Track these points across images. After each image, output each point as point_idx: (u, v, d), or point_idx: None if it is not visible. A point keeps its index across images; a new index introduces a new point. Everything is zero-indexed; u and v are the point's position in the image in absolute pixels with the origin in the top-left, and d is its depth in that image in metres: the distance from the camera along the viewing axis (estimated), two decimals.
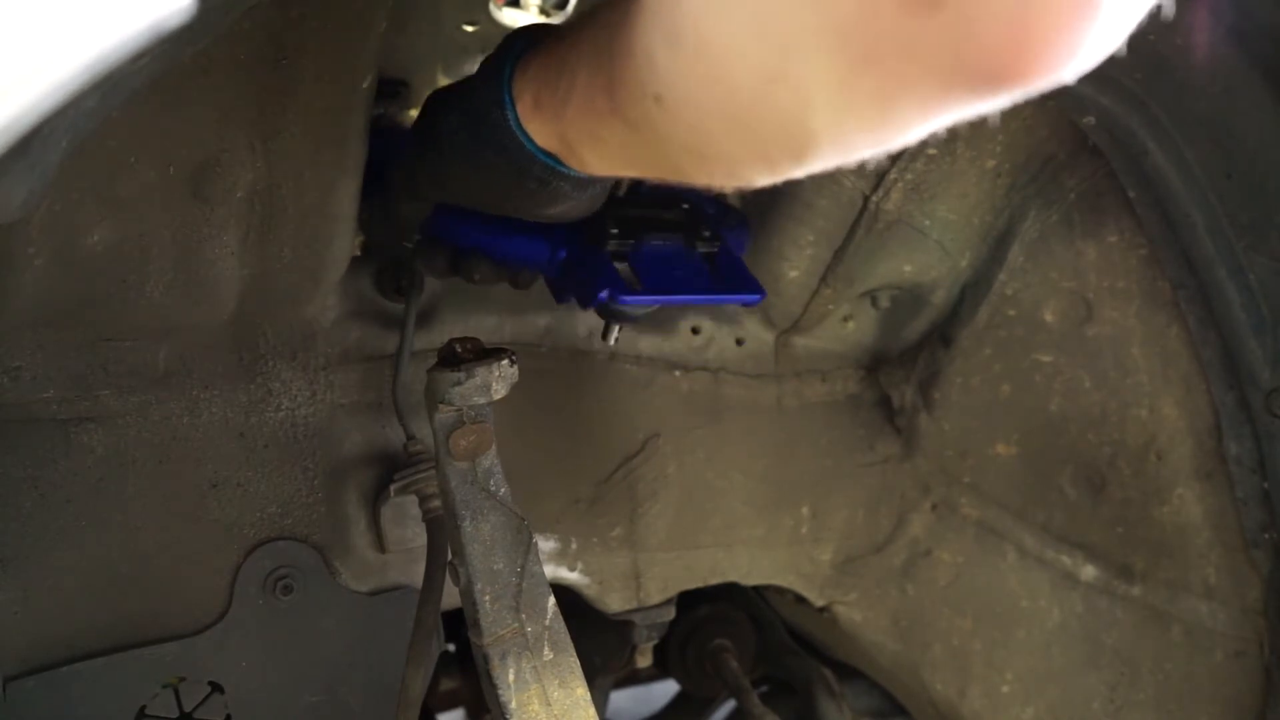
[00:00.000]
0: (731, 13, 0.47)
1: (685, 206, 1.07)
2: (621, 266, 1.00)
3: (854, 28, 0.42)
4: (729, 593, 1.53)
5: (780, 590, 1.46)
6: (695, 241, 1.04)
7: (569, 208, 0.86)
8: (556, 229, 1.02)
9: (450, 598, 1.03)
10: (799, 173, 0.56)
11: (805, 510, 1.40)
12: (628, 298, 0.96)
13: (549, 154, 0.78)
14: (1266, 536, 1.14)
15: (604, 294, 0.96)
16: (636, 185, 1.21)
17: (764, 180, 0.58)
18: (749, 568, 1.39)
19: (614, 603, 1.31)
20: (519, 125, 0.78)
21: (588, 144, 0.74)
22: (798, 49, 0.45)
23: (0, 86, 0.36)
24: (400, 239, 1.09)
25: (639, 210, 1.03)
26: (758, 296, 1.02)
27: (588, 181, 0.83)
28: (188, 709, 1.07)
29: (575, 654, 0.99)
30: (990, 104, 0.45)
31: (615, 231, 1.00)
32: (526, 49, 0.80)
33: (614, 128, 0.66)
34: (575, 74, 0.70)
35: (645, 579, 1.32)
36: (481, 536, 0.96)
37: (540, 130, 0.78)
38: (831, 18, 0.42)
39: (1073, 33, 0.40)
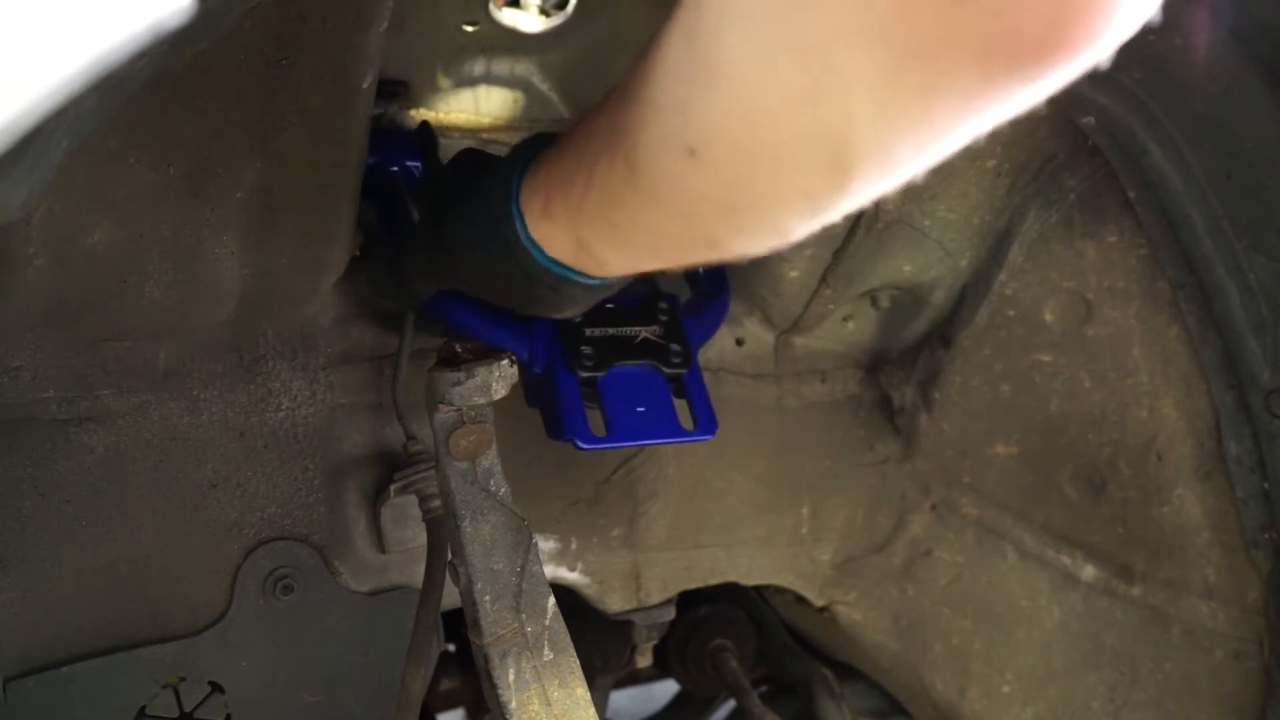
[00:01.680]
0: (767, 30, 0.46)
1: (664, 318, 1.11)
2: (588, 390, 1.05)
3: (895, 22, 0.42)
4: (729, 593, 1.53)
5: (780, 590, 1.46)
6: (664, 365, 1.09)
7: (585, 307, 0.88)
8: (538, 334, 1.06)
9: (450, 597, 1.03)
10: (840, 205, 0.54)
11: (805, 510, 1.40)
12: (587, 445, 1.02)
13: (562, 265, 0.78)
14: (1266, 537, 1.14)
15: (566, 437, 1.03)
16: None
17: (803, 224, 0.57)
18: (749, 568, 1.39)
19: (614, 603, 1.31)
20: (529, 239, 0.78)
21: (606, 238, 0.73)
22: (838, 55, 0.45)
23: (0, 87, 0.36)
24: (407, 303, 1.11)
25: (615, 328, 1.08)
26: (710, 435, 1.09)
27: (601, 286, 0.82)
28: (188, 709, 1.07)
29: (575, 654, 0.99)
30: (1029, 90, 0.45)
31: (589, 362, 1.05)
32: (533, 157, 0.79)
33: (636, 208, 0.65)
34: (595, 160, 0.69)
35: (645, 579, 1.32)
36: (481, 536, 0.96)
37: (553, 235, 0.77)
38: (871, 17, 0.42)
39: (1107, 3, 0.40)
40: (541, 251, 0.78)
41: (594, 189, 0.69)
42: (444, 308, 1.07)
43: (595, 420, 1.05)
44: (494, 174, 0.82)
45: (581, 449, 1.03)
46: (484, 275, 0.86)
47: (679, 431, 1.08)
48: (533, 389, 1.09)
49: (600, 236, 0.73)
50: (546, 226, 0.77)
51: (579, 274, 0.79)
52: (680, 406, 1.10)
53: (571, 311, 0.88)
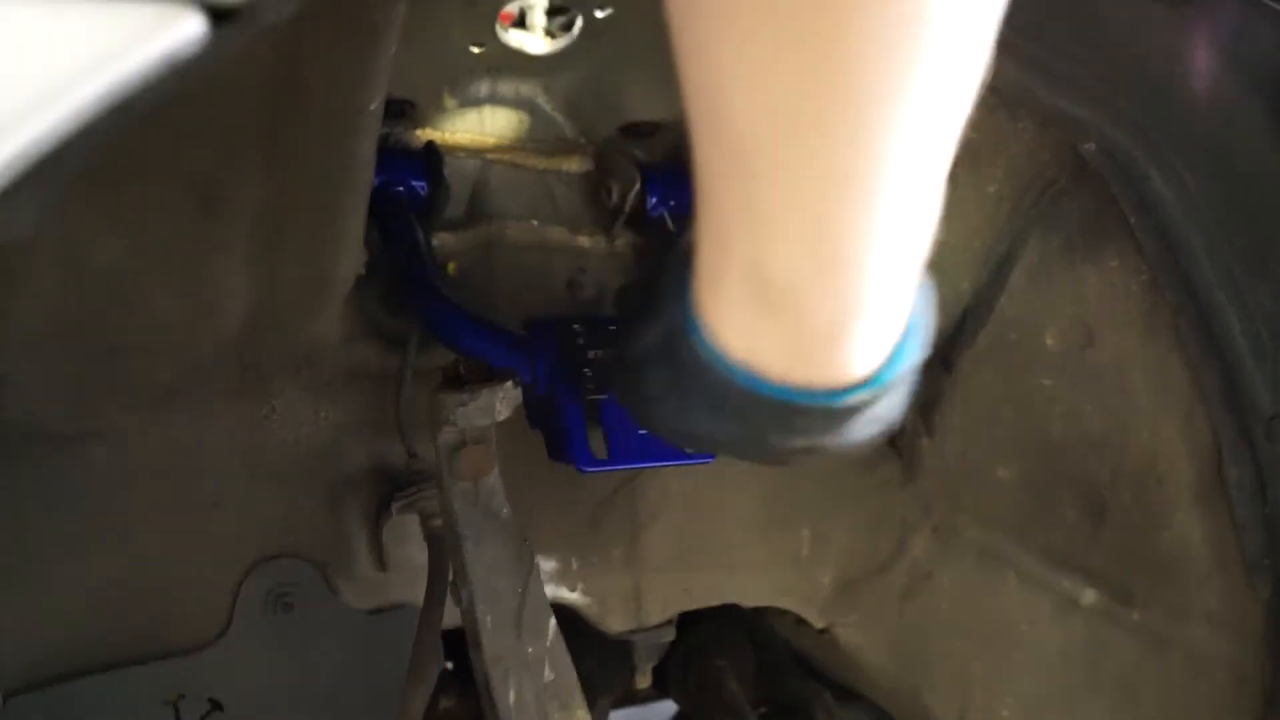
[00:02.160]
0: None
1: None
2: (590, 412, 1.05)
3: None
4: (729, 614, 1.53)
5: (781, 612, 1.46)
6: None
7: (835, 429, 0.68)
8: (541, 356, 1.06)
9: (450, 617, 1.03)
10: None
11: (806, 532, 1.40)
12: (590, 468, 1.02)
13: (791, 389, 0.57)
14: (1267, 562, 1.14)
15: (568, 459, 1.03)
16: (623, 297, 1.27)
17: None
18: (749, 589, 1.39)
19: (614, 623, 1.31)
20: (725, 362, 0.57)
21: (767, 227, 0.50)
22: None
23: (11, 110, 0.36)
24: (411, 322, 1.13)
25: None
26: (710, 458, 1.10)
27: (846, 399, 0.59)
28: None
29: (576, 674, 0.99)
30: None
31: (592, 384, 1.05)
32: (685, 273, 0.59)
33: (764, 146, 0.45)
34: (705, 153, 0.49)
35: (645, 600, 1.32)
36: (483, 556, 0.96)
37: (758, 343, 0.55)
38: None
39: None
40: (762, 381, 0.56)
41: (719, 188, 0.50)
42: (446, 327, 1.08)
43: (597, 442, 1.05)
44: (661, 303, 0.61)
45: (584, 471, 1.03)
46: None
47: (680, 454, 1.08)
48: (535, 410, 1.09)
49: (768, 235, 0.50)
50: (720, 301, 0.55)
51: (811, 392, 0.57)
52: None
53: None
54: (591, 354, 1.07)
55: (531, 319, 1.10)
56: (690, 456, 1.09)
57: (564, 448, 1.03)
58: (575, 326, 1.08)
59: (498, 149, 1.26)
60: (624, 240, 1.35)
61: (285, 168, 0.87)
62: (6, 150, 0.36)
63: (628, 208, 1.28)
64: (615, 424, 1.06)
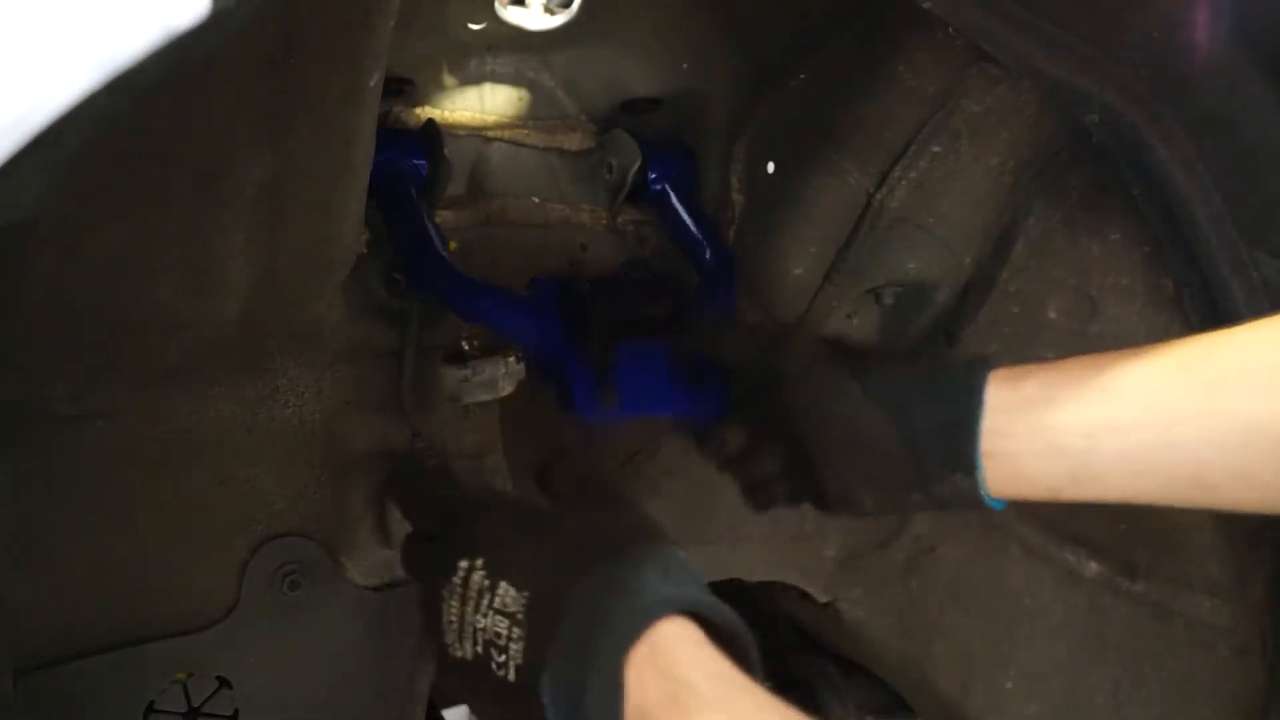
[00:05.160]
0: None
1: (673, 298, 1.13)
2: (598, 365, 1.06)
3: None
4: (732, 589, 1.53)
5: (784, 586, 1.47)
6: (674, 342, 1.10)
7: None
8: (545, 315, 1.07)
9: None
10: None
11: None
12: (599, 417, 1.03)
13: None
14: (1269, 533, 1.14)
15: (577, 410, 1.03)
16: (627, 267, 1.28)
17: None
18: (753, 565, 1.39)
19: None
20: None
21: None
22: None
23: (13, 87, 0.36)
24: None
25: (625, 303, 1.10)
26: (718, 411, 1.09)
27: None
28: (196, 704, 1.08)
29: None
30: None
31: (599, 338, 1.06)
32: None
33: None
34: None
35: None
36: None
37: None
38: None
39: None
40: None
41: None
42: (456, 294, 1.08)
43: (607, 394, 1.06)
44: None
45: (590, 421, 1.03)
46: None
47: (688, 407, 1.09)
48: (543, 364, 1.09)
49: None
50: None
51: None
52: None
53: None
54: (599, 308, 1.08)
55: (536, 278, 1.11)
56: (698, 409, 1.09)
57: (573, 403, 1.03)
58: (581, 283, 1.09)
59: (498, 126, 1.26)
60: (625, 217, 1.35)
61: (284, 146, 0.87)
62: (8, 128, 0.36)
63: (629, 184, 1.28)
64: (624, 373, 1.06)
